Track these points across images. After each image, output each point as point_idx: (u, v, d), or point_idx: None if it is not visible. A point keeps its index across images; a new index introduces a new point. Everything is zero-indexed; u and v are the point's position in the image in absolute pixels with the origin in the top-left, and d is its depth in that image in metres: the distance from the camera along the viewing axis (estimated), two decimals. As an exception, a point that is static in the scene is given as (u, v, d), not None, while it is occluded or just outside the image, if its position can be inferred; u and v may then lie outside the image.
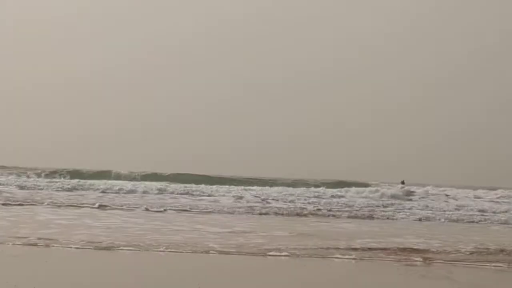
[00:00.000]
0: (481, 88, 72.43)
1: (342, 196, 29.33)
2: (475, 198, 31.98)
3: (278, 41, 76.09)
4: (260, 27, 75.47)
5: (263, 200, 26.34)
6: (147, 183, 32.05)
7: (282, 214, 21.56)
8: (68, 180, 30.91)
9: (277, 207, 23.36)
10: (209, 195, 27.47)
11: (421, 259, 11.35)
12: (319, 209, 23.46)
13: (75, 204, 21.32)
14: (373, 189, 32.90)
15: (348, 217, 21.80)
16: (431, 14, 77.26)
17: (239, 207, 22.77)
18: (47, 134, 62.70)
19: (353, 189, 32.52)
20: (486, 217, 22.95)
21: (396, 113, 69.55)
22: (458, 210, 25.27)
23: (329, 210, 23.15)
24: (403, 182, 48.50)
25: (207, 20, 75.92)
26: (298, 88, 72.97)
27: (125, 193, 26.84)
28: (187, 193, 27.52)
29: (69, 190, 26.92)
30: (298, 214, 21.74)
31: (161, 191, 27.98)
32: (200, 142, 64.36)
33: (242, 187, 31.60)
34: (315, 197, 28.09)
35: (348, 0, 79.73)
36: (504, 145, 64.81)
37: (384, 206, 25.42)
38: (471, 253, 12.48)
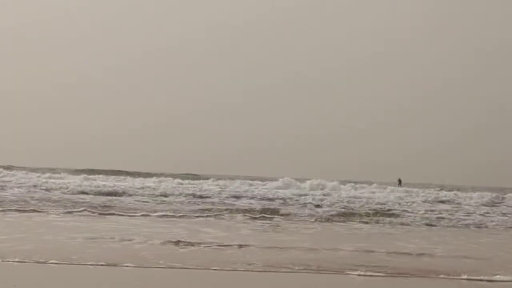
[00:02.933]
0: (481, 89, 72.49)
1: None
2: None
3: (277, 43, 76.17)
4: (261, 29, 75.56)
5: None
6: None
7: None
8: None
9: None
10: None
11: None
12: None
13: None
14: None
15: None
16: (431, 18, 77.39)
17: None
18: (47, 134, 62.76)
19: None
20: None
21: (396, 114, 69.62)
22: None
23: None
24: (400, 181, 48.66)
25: (207, 21, 75.97)
26: (298, 89, 73.06)
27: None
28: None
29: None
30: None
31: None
32: (202, 142, 64.45)
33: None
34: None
35: (352, 4, 79.79)
36: (505, 145, 64.91)
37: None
38: None
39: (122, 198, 24.66)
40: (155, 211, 19.70)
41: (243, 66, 73.23)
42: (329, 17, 78.24)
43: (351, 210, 23.12)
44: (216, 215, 19.60)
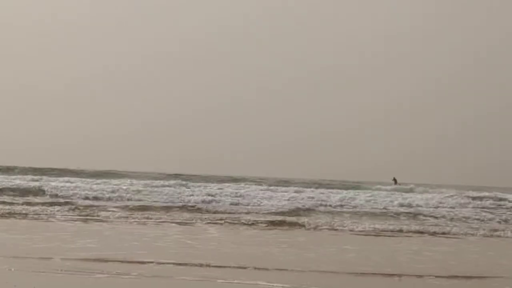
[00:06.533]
0: (481, 89, 72.47)
1: None
2: None
3: (277, 43, 76.09)
4: (261, 29, 75.46)
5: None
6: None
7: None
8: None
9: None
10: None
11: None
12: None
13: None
14: None
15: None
16: (433, 17, 77.30)
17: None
18: (48, 135, 62.75)
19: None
20: None
21: (396, 114, 69.53)
22: None
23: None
24: (395, 180, 48.42)
25: (208, 21, 75.93)
26: (298, 89, 72.94)
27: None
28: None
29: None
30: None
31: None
32: (201, 143, 64.40)
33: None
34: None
35: (352, 4, 79.81)
36: (505, 146, 64.93)
37: None
38: None
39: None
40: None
41: (243, 66, 73.14)
42: (329, 17, 78.24)
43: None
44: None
